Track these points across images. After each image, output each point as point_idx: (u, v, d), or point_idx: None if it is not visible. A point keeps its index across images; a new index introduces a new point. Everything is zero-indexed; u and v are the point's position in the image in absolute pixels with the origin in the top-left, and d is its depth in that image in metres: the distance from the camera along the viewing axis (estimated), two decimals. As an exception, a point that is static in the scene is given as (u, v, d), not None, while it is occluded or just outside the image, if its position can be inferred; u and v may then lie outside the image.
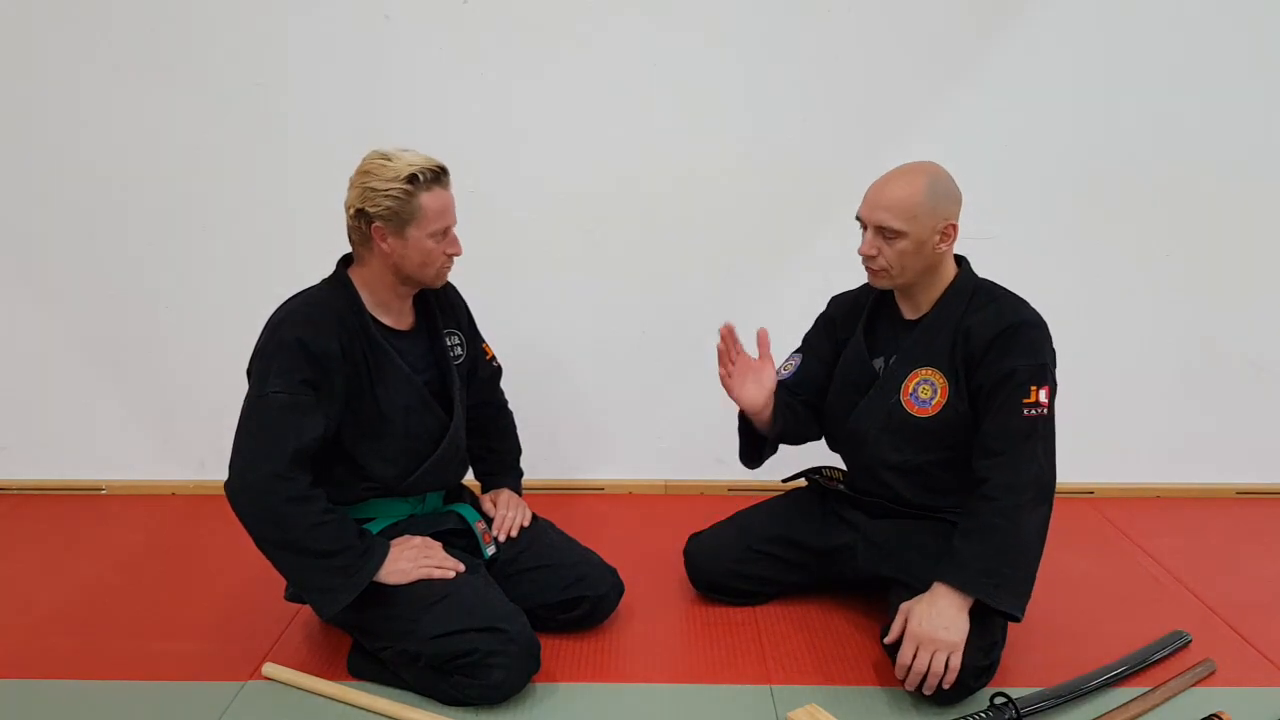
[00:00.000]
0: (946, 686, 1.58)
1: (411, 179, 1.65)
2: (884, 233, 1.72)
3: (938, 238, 1.73)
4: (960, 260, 1.85)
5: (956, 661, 1.57)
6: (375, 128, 2.40)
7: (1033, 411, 1.66)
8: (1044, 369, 1.69)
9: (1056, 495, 2.69)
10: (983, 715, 1.57)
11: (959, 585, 1.61)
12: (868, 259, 1.77)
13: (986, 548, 1.63)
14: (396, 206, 1.65)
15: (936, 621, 1.59)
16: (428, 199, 1.67)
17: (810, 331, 2.08)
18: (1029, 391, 1.67)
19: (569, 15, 2.42)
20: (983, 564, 1.62)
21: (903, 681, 1.62)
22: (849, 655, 1.83)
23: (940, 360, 1.78)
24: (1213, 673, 1.75)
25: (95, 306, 2.61)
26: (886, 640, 1.66)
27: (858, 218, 1.78)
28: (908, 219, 1.70)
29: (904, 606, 1.65)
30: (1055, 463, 1.71)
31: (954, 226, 1.74)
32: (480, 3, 2.41)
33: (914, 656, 1.59)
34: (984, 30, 2.43)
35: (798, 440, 2.05)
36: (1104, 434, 2.64)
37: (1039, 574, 2.08)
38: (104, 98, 2.46)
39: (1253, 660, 1.82)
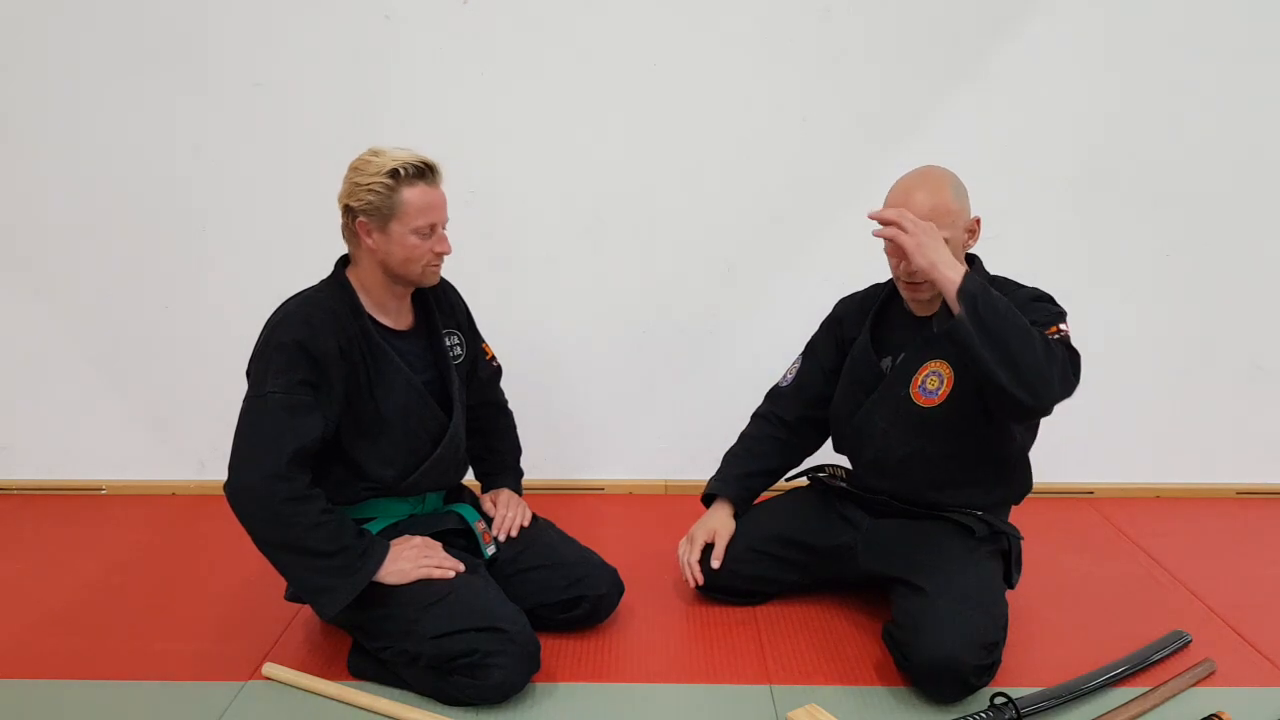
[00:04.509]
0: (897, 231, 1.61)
1: (393, 174, 1.65)
2: None
3: (967, 235, 1.75)
4: (971, 258, 1.85)
5: (908, 244, 1.61)
6: (375, 128, 2.40)
7: (1058, 335, 1.65)
8: (1062, 315, 1.70)
9: (1056, 495, 2.71)
10: (983, 715, 1.57)
11: (963, 272, 1.59)
12: (911, 275, 1.73)
13: (1003, 301, 1.59)
14: (378, 201, 1.66)
15: (938, 238, 1.62)
16: (410, 194, 1.67)
17: (815, 336, 2.08)
18: (1048, 329, 1.66)
19: (569, 15, 2.42)
20: (989, 291, 1.58)
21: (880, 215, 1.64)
22: (849, 655, 1.83)
23: (949, 351, 1.78)
24: (1213, 673, 1.75)
25: (95, 306, 2.61)
26: (872, 213, 1.67)
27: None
28: (946, 225, 1.69)
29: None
30: (1077, 377, 1.66)
31: (979, 221, 1.76)
32: (480, 3, 2.41)
33: (894, 225, 1.61)
34: (984, 31, 2.43)
35: (799, 462, 2.10)
36: (1104, 434, 2.64)
37: (1039, 574, 2.09)
38: (104, 97, 2.46)
39: (1253, 660, 1.82)
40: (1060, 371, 1.60)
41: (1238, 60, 2.43)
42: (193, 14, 2.41)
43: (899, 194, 1.74)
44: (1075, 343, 1.69)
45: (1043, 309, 1.71)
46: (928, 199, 1.70)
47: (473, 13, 2.42)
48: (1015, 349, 1.56)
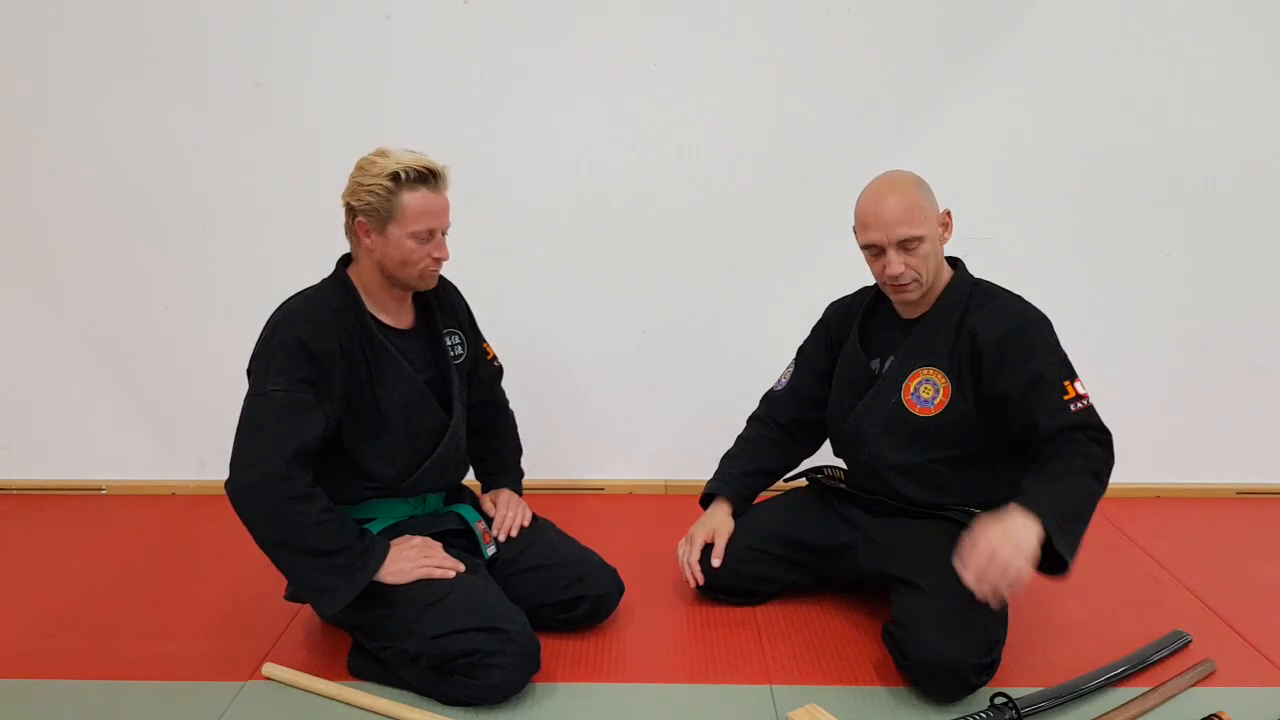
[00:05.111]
0: (1006, 593, 1.50)
1: (394, 177, 1.65)
2: (906, 246, 1.71)
3: (942, 229, 1.77)
4: (955, 261, 1.85)
5: (1022, 575, 1.47)
6: (375, 128, 2.40)
7: (1079, 405, 1.66)
8: (1066, 363, 1.71)
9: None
10: (983, 715, 1.57)
11: (1032, 510, 1.52)
12: (896, 278, 1.74)
13: (1060, 492, 1.58)
14: (377, 203, 1.67)
15: (1009, 533, 1.49)
16: (410, 198, 1.67)
17: (805, 342, 2.09)
18: (1065, 389, 1.67)
19: (569, 15, 2.42)
20: (1055, 502, 1.56)
21: (973, 589, 1.50)
22: (849, 655, 1.83)
23: (941, 360, 1.78)
24: (1213, 673, 1.75)
25: (95, 306, 2.61)
26: (958, 561, 1.53)
27: (867, 246, 1.76)
28: (922, 222, 1.71)
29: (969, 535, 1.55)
30: (1113, 461, 1.67)
31: (949, 214, 1.77)
32: (480, 3, 2.41)
33: (986, 560, 1.49)
34: (984, 30, 2.43)
35: (796, 464, 2.11)
36: (1104, 434, 2.64)
37: (1038, 574, 2.09)
38: (104, 97, 2.46)
39: (1253, 660, 1.82)
40: (1107, 473, 1.64)
41: (1237, 60, 2.43)
42: (193, 14, 2.41)
43: (869, 202, 1.75)
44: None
45: (1053, 367, 1.68)
46: (899, 202, 1.71)
47: (473, 13, 2.42)
48: (1087, 523, 1.61)
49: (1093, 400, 1.70)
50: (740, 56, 2.45)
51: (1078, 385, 1.69)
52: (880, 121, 2.48)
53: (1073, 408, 1.66)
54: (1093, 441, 1.65)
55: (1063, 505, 1.57)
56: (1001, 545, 1.49)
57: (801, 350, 2.09)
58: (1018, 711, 1.57)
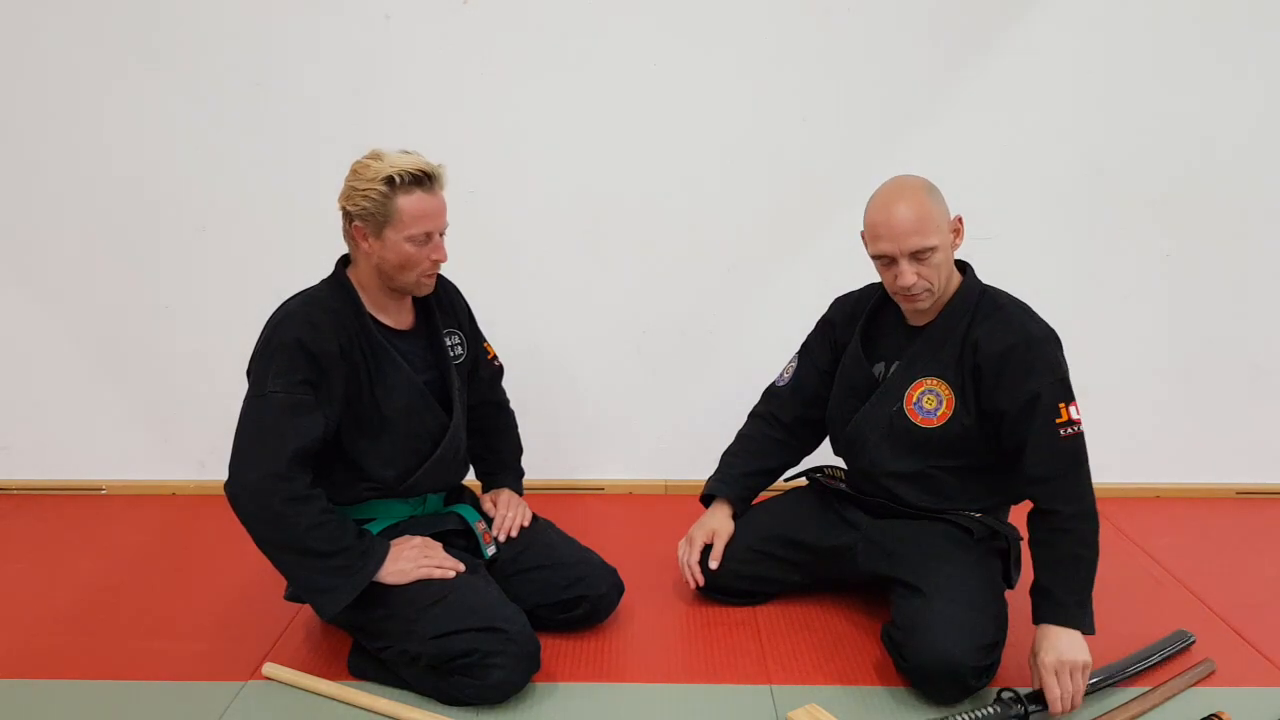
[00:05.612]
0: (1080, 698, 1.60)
1: (389, 181, 1.64)
2: (918, 256, 1.68)
3: (953, 236, 1.74)
4: (964, 266, 1.83)
5: (1086, 676, 1.59)
6: (375, 128, 2.40)
7: (1069, 430, 1.66)
8: (1065, 383, 1.69)
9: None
10: (991, 710, 1.56)
11: (1063, 623, 1.61)
12: (908, 288, 1.71)
13: (1075, 580, 1.64)
14: (373, 207, 1.66)
15: (1063, 650, 1.58)
16: (405, 202, 1.66)
17: (810, 335, 2.07)
18: (1059, 411, 1.66)
19: (569, 15, 2.42)
20: (1075, 596, 1.63)
21: (1057, 712, 1.59)
22: (849, 655, 1.83)
23: (947, 371, 1.77)
24: (1213, 673, 1.75)
25: (95, 306, 2.61)
26: (1035, 687, 1.62)
27: (878, 256, 1.73)
28: (934, 230, 1.68)
29: (1029, 660, 1.64)
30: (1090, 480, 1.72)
31: (960, 219, 1.75)
32: (480, 3, 2.41)
33: (1058, 684, 1.58)
34: (984, 31, 2.43)
35: (797, 462, 2.10)
36: (1104, 434, 2.63)
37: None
38: (104, 97, 2.46)
39: (1253, 660, 1.82)
40: (1097, 538, 1.66)
41: (1236, 60, 2.43)
42: (193, 14, 2.41)
43: (879, 211, 1.71)
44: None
45: (1044, 379, 1.67)
46: (910, 210, 1.67)
47: (473, 13, 2.42)
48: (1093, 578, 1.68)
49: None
50: (740, 56, 2.45)
51: (1072, 409, 1.67)
52: (881, 121, 2.48)
53: (1062, 432, 1.66)
54: (1085, 480, 1.68)
55: (1082, 590, 1.64)
56: (1064, 669, 1.58)
57: (806, 345, 2.07)
58: (1025, 710, 1.56)
